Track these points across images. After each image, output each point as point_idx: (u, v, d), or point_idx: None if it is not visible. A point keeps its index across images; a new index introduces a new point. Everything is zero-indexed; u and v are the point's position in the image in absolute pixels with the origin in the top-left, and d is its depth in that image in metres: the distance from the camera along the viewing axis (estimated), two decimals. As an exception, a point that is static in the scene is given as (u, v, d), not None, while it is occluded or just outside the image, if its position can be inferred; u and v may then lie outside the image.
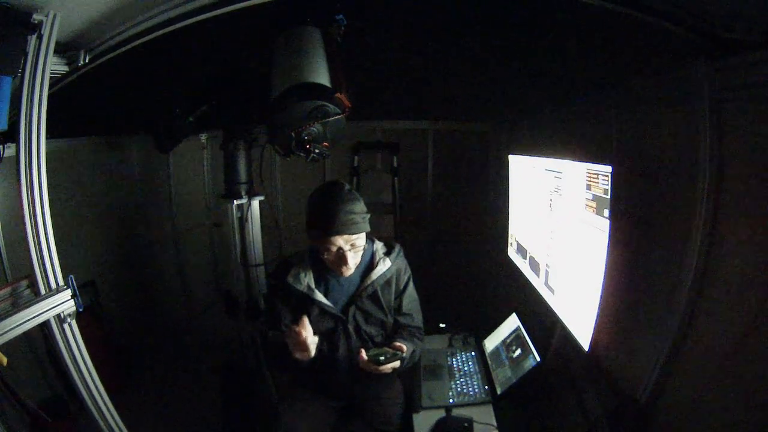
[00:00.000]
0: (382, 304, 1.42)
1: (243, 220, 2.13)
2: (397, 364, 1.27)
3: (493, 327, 2.04)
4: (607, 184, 1.29)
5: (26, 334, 0.98)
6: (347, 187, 1.34)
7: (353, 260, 1.33)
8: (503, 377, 1.72)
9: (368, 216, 1.33)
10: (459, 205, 3.23)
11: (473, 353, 1.94)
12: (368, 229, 1.33)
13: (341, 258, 1.30)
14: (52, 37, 0.95)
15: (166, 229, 3.22)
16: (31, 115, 0.95)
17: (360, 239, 1.32)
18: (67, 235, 2.34)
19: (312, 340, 1.23)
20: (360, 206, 1.31)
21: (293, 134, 1.27)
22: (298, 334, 1.20)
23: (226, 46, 1.56)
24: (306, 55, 1.29)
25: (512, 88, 2.10)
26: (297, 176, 3.29)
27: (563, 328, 1.63)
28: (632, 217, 1.38)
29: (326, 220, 1.26)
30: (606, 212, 1.32)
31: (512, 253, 2.38)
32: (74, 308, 1.03)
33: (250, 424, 2.08)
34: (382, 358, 1.25)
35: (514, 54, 1.58)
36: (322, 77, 1.27)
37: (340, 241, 1.28)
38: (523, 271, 2.15)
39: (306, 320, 1.24)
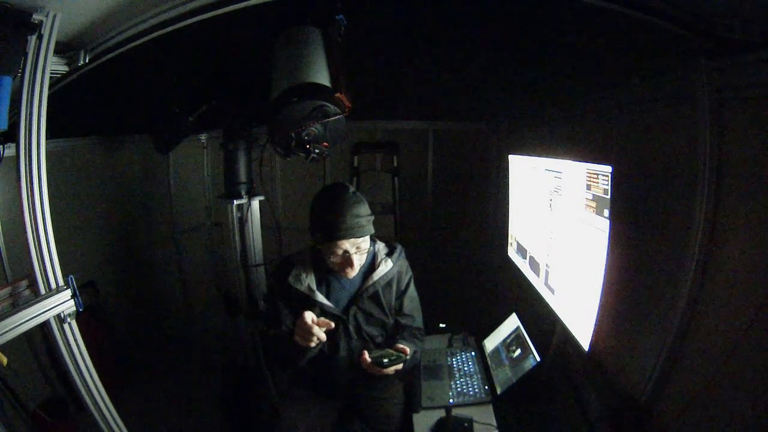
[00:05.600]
0: (383, 304, 1.42)
1: (243, 220, 2.13)
2: (400, 366, 1.27)
3: (493, 327, 2.04)
4: (607, 184, 1.29)
5: (26, 334, 0.98)
6: (352, 189, 1.34)
7: (358, 262, 1.33)
8: (503, 377, 1.71)
9: (372, 218, 1.33)
10: (459, 205, 3.23)
11: (473, 353, 1.94)
12: (373, 231, 1.33)
13: (347, 261, 1.30)
14: (52, 37, 0.95)
15: (166, 229, 3.22)
16: (31, 115, 0.95)
17: (365, 242, 1.32)
18: (67, 235, 2.33)
19: (317, 331, 1.20)
20: (365, 209, 1.31)
21: (293, 134, 1.27)
22: (305, 319, 1.18)
23: (226, 45, 1.56)
24: (306, 55, 1.30)
25: (512, 88, 2.10)
26: (297, 176, 3.29)
27: (563, 328, 1.63)
28: (632, 217, 1.38)
29: (333, 224, 1.26)
30: (606, 212, 1.31)
31: (512, 253, 2.38)
32: (74, 308, 1.03)
33: (250, 423, 2.08)
34: (386, 360, 1.25)
35: (514, 54, 1.58)
36: (322, 77, 1.27)
37: (347, 244, 1.28)
38: (523, 271, 2.15)
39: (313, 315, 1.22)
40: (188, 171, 3.31)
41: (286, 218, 3.18)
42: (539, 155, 1.95)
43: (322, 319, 1.22)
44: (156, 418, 2.23)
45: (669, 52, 1.20)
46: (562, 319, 1.64)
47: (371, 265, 1.43)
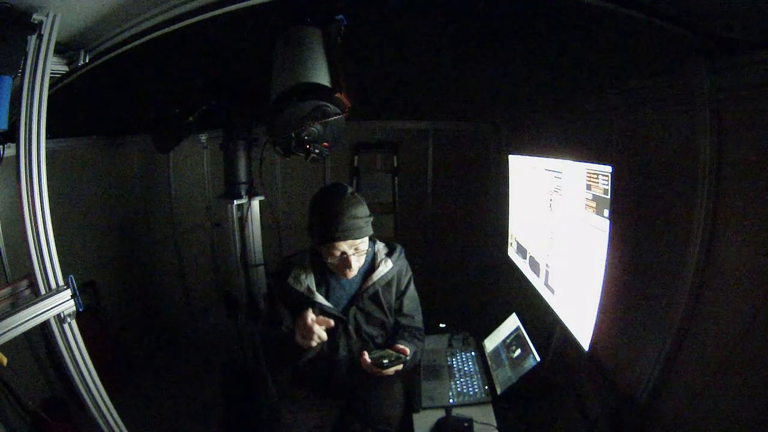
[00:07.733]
0: (383, 304, 1.42)
1: (243, 220, 2.14)
2: (400, 367, 1.27)
3: (493, 327, 2.04)
4: (607, 184, 1.29)
5: (26, 334, 0.98)
6: (350, 190, 1.34)
7: (357, 264, 1.32)
8: (503, 377, 1.71)
9: (371, 219, 1.33)
10: (459, 205, 3.23)
11: (473, 353, 1.94)
12: (371, 232, 1.33)
13: (345, 262, 1.30)
14: (52, 37, 0.95)
15: (166, 229, 3.22)
16: (31, 115, 0.94)
17: (364, 243, 1.31)
18: (67, 235, 2.34)
19: (318, 330, 1.20)
20: (364, 210, 1.31)
21: (293, 134, 1.27)
22: (306, 318, 1.19)
23: (226, 46, 1.56)
24: (306, 55, 1.29)
25: (512, 88, 2.10)
26: (297, 176, 3.29)
27: (563, 328, 1.63)
28: (632, 217, 1.38)
29: (330, 225, 1.25)
30: (606, 212, 1.31)
31: (512, 253, 2.38)
32: (74, 308, 1.02)
33: (250, 423, 2.08)
34: (385, 361, 1.24)
35: (514, 54, 1.58)
36: (322, 77, 1.27)
37: (345, 246, 1.28)
38: (523, 271, 2.15)
39: (313, 314, 1.23)
40: (188, 171, 3.31)
41: (286, 218, 3.19)
42: (539, 155, 1.95)
43: (322, 317, 1.22)
44: (156, 418, 2.23)
45: (669, 52, 1.20)
46: (562, 319, 1.64)
47: (371, 266, 1.43)
